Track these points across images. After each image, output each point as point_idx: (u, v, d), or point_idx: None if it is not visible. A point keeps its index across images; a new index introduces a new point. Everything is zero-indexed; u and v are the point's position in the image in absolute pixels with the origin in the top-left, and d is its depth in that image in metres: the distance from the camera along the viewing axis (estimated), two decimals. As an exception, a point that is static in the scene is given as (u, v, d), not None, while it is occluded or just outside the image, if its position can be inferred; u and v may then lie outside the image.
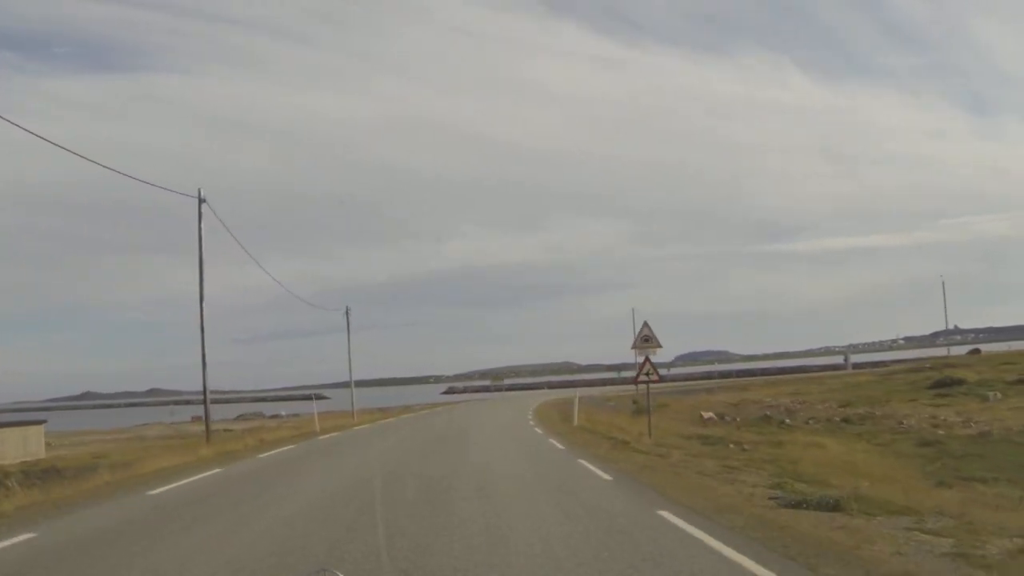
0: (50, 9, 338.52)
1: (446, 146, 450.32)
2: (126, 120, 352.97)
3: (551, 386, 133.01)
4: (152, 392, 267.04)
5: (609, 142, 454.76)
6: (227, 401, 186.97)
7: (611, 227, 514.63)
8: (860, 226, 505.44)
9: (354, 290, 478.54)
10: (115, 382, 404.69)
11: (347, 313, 68.91)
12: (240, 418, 79.61)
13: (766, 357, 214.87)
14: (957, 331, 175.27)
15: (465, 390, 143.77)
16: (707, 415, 39.87)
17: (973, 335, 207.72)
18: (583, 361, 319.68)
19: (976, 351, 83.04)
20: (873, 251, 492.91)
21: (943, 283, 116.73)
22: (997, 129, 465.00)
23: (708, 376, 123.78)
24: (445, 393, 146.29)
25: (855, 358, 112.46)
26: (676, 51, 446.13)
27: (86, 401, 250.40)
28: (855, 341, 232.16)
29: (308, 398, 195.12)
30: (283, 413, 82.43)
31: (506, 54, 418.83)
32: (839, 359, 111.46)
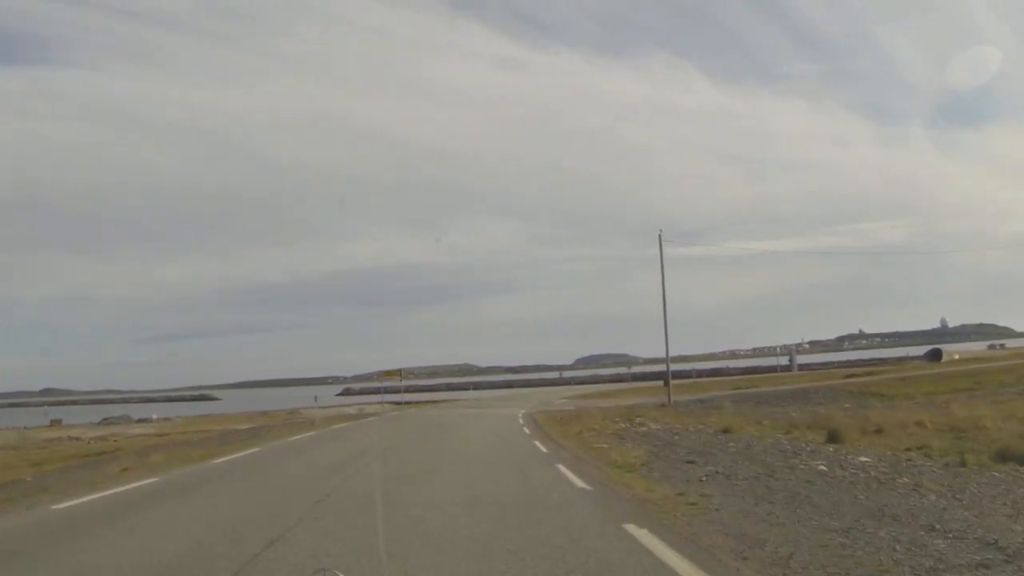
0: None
1: (345, 144, 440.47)
2: (24, 115, 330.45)
3: (493, 387, 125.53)
4: (46, 392, 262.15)
5: (510, 143, 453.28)
6: (113, 401, 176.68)
7: (511, 229, 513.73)
8: (761, 231, 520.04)
9: (254, 290, 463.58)
10: (9, 381, 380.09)
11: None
12: (105, 422, 70.40)
13: (664, 361, 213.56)
14: (862, 335, 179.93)
15: (362, 391, 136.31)
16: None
17: (879, 339, 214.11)
18: (483, 363, 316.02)
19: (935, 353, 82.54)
20: (774, 256, 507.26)
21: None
22: (899, 136, 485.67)
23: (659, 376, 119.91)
24: (340, 395, 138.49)
25: (754, 361, 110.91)
26: (580, 53, 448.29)
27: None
28: (759, 344, 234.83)
29: (198, 399, 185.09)
30: (154, 416, 73.64)
31: (408, 53, 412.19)
32: (781, 360, 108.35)
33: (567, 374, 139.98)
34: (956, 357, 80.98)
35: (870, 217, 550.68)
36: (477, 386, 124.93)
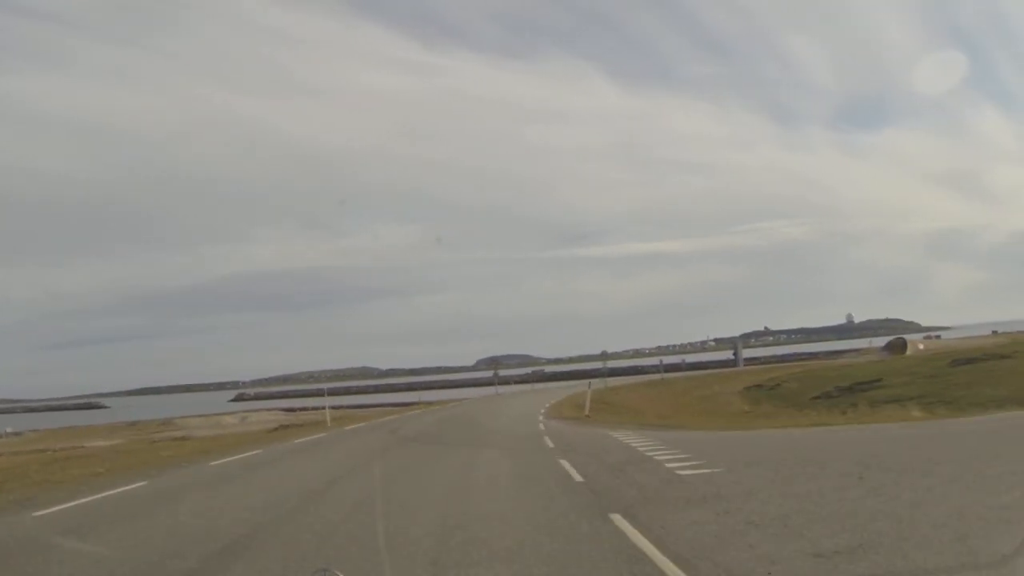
0: None
1: (242, 146, 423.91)
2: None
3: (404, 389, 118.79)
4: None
5: (411, 144, 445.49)
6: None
7: (411, 230, 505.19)
8: (664, 231, 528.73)
9: (152, 295, 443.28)
10: None
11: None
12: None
13: (571, 360, 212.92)
14: (768, 332, 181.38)
15: (256, 396, 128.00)
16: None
17: (785, 335, 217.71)
18: (383, 365, 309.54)
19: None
20: (677, 255, 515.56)
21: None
22: (800, 139, 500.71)
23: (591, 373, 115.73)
24: (234, 401, 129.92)
25: (668, 359, 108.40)
26: (483, 55, 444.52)
27: None
28: (664, 343, 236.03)
29: (85, 408, 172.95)
30: (8, 430, 64.76)
31: (309, 54, 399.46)
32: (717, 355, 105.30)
33: (473, 375, 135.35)
34: (921, 347, 78.90)
35: (772, 216, 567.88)
36: (413, 387, 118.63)
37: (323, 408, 64.30)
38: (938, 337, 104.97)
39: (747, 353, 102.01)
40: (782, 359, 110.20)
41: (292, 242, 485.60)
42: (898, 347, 79.61)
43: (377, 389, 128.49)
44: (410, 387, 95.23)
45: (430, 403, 56.79)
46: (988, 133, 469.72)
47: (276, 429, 32.76)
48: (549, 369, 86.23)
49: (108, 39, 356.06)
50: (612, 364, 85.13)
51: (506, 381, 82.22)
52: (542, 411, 35.37)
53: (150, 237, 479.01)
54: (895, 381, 36.79)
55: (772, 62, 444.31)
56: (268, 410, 72.82)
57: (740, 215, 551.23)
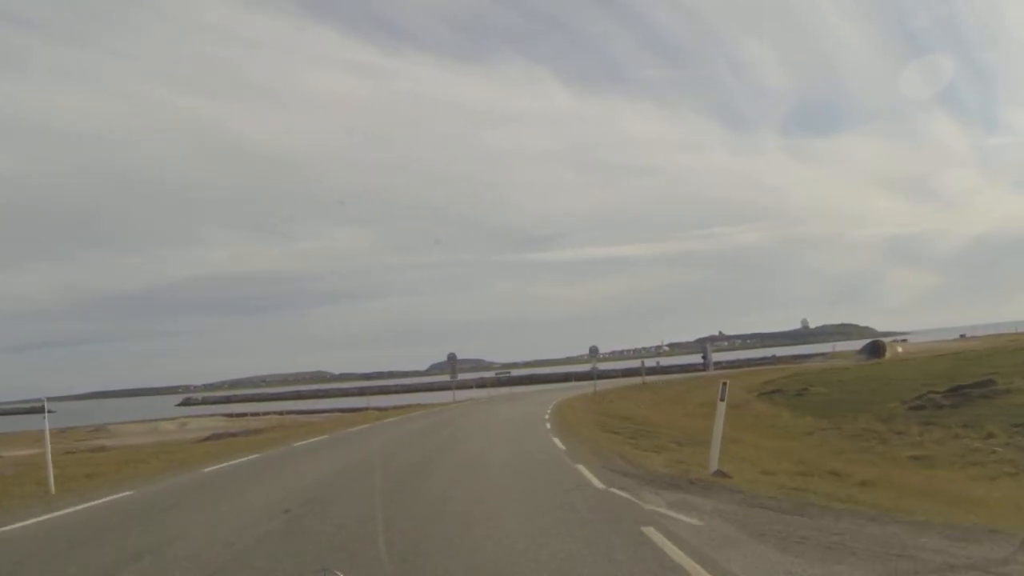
0: None
1: (194, 149, 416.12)
2: None
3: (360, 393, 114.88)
4: None
5: (363, 148, 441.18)
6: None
7: (363, 234, 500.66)
8: (618, 235, 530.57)
9: (104, 299, 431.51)
10: None
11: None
12: None
13: (527, 364, 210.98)
14: (723, 337, 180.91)
15: (204, 401, 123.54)
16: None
17: (740, 340, 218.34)
18: (335, 370, 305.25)
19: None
20: (629, 260, 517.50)
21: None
22: (753, 143, 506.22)
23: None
24: (181, 405, 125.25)
25: (619, 364, 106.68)
26: (436, 59, 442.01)
27: None
28: (618, 347, 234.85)
29: (29, 412, 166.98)
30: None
31: (259, 56, 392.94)
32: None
33: (428, 379, 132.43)
34: (900, 351, 77.61)
35: (726, 221, 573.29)
36: (365, 391, 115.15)
37: (268, 414, 61.24)
38: (904, 341, 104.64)
39: (746, 355, 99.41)
40: (749, 363, 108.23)
41: (246, 245, 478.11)
42: (877, 350, 78.41)
43: (328, 394, 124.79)
44: (362, 392, 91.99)
45: (383, 411, 50.39)
46: (941, 138, 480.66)
47: (208, 439, 29.85)
48: (515, 373, 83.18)
49: (58, 39, 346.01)
50: (582, 368, 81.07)
51: (465, 385, 78.43)
52: (548, 426, 23.80)
53: (102, 240, 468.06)
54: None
55: (725, 67, 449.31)
56: (210, 415, 69.58)
57: (694, 220, 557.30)
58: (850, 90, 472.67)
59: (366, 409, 55.22)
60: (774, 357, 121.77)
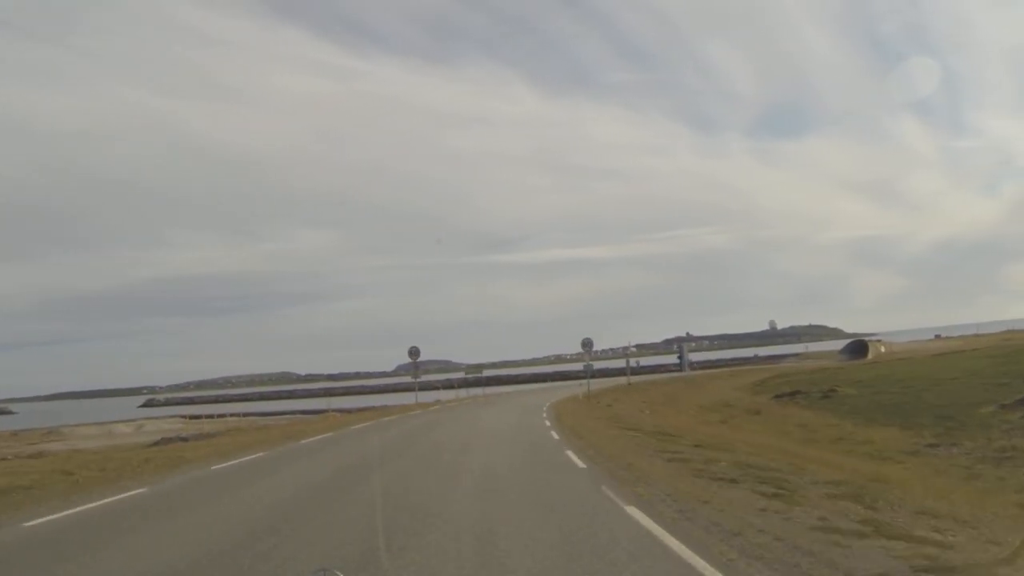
0: None
1: (160, 150, 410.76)
2: None
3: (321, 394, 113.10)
4: None
5: (330, 150, 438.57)
6: None
7: (330, 236, 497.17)
8: (584, 237, 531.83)
9: (71, 300, 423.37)
10: None
11: None
12: None
13: (494, 365, 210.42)
14: (690, 338, 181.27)
15: (167, 403, 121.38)
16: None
17: (707, 341, 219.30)
18: (302, 371, 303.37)
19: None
20: (595, 262, 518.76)
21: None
22: (719, 146, 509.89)
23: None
24: (143, 406, 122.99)
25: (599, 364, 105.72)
26: (404, 60, 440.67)
27: None
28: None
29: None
30: None
31: (226, 56, 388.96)
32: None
33: (396, 380, 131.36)
34: (883, 351, 77.46)
35: (693, 223, 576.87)
36: (331, 392, 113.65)
37: (229, 416, 59.87)
38: (879, 341, 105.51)
39: (721, 355, 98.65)
40: (722, 363, 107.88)
41: (213, 246, 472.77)
42: (860, 350, 78.35)
43: (292, 395, 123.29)
44: (327, 392, 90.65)
45: (346, 414, 47.47)
46: (908, 142, 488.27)
47: (157, 443, 28.84)
48: (485, 374, 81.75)
49: (25, 36, 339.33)
50: (552, 368, 78.81)
51: (431, 386, 76.91)
52: (577, 460, 14.38)
53: (68, 239, 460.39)
54: None
55: (693, 70, 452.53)
56: (169, 417, 68.14)
57: (661, 222, 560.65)
58: (817, 94, 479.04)
59: (327, 411, 54.05)
60: (756, 357, 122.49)
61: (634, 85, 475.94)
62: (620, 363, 79.70)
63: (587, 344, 52.77)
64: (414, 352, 52.58)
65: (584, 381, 53.59)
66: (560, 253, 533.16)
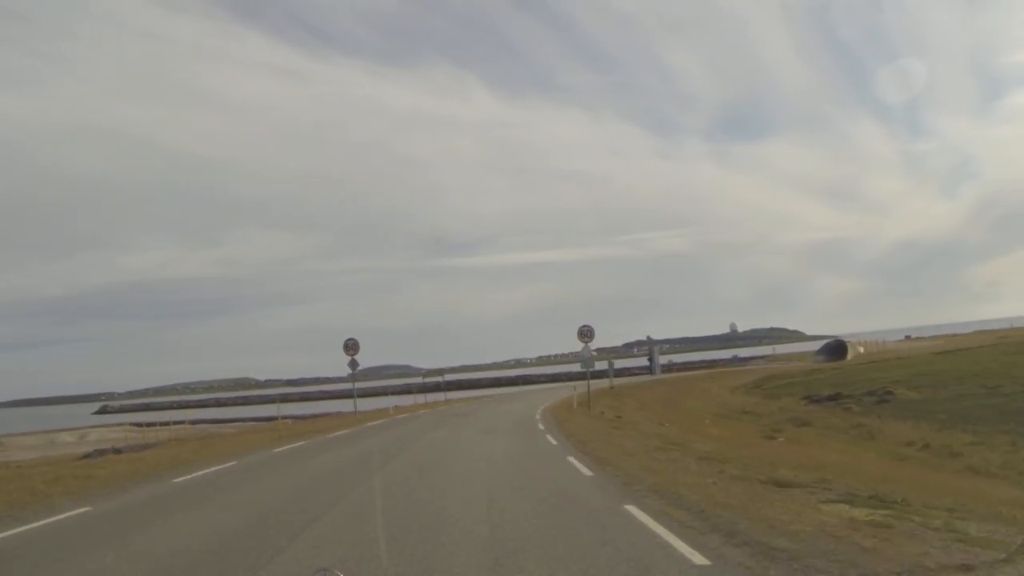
0: None
1: (121, 153, 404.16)
2: None
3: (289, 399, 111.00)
4: None
5: (287, 154, 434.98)
6: None
7: (289, 240, 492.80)
8: (542, 241, 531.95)
9: (29, 303, 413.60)
10: None
11: None
12: None
13: (453, 370, 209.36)
14: (651, 341, 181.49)
15: (121, 409, 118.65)
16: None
17: (668, 344, 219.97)
18: (261, 376, 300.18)
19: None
20: (555, 265, 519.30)
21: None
22: (678, 149, 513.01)
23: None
24: (97, 413, 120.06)
25: (552, 369, 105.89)
26: (362, 63, 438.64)
27: None
28: (545, 352, 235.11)
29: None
30: None
31: (186, 59, 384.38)
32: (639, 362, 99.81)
33: (361, 384, 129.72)
34: (861, 351, 77.65)
35: (652, 227, 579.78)
36: (288, 398, 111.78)
37: (179, 424, 58.51)
38: (858, 342, 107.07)
39: (640, 362, 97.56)
40: (693, 365, 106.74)
41: (171, 251, 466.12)
42: (838, 351, 78.49)
43: (248, 401, 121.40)
44: (284, 399, 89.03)
45: (299, 420, 44.80)
46: (866, 145, 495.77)
47: (88, 455, 27.82)
48: (446, 379, 79.65)
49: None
50: (519, 372, 76.99)
51: (378, 392, 75.49)
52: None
53: (24, 244, 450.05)
54: None
55: (652, 73, 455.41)
56: (119, 425, 66.50)
57: (620, 225, 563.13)
58: (776, 96, 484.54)
59: (276, 419, 52.92)
60: (721, 360, 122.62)
61: (593, 87, 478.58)
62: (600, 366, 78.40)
63: (586, 333, 38.24)
64: (351, 345, 41.77)
65: (550, 386, 47.21)
66: (519, 257, 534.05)
